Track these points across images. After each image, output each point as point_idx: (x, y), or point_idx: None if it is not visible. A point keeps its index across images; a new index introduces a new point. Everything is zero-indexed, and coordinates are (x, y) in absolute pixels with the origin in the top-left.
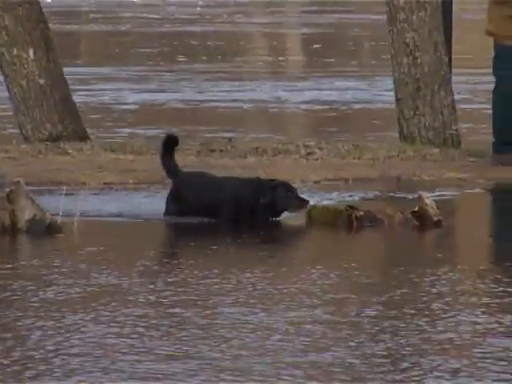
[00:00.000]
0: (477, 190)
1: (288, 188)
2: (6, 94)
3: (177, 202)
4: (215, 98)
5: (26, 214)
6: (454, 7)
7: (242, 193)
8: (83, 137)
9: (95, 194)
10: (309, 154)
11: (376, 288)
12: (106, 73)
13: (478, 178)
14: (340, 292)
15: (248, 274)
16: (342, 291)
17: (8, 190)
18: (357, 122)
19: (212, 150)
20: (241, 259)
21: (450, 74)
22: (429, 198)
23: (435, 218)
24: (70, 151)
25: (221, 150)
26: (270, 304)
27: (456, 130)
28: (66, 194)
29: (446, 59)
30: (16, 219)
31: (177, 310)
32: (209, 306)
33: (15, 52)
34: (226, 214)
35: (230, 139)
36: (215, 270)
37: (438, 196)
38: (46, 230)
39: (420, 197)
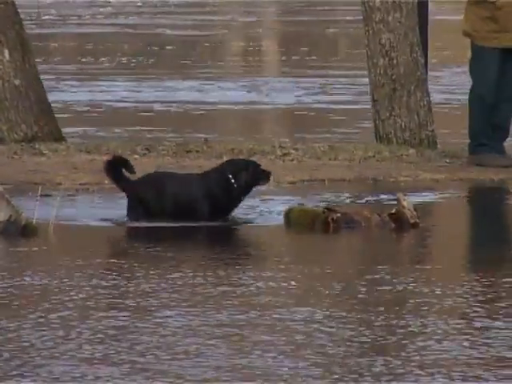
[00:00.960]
0: (452, 191)
1: (254, 164)
2: None
3: (144, 207)
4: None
5: (1, 216)
6: (430, 7)
7: (215, 183)
8: (58, 138)
9: (71, 195)
10: (284, 154)
11: (311, 290)
12: None
13: (453, 179)
14: (269, 295)
15: (178, 275)
16: (272, 294)
17: None
18: (332, 122)
19: (188, 151)
20: (184, 261)
21: (426, 75)
22: (406, 200)
23: (412, 220)
24: (45, 152)
25: (197, 151)
26: (200, 306)
27: (432, 130)
28: (41, 195)
29: (422, 60)
30: None
31: (111, 313)
32: (140, 309)
33: None
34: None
35: (205, 140)
36: (153, 272)
37: (413, 197)
38: (21, 231)
39: (398, 199)
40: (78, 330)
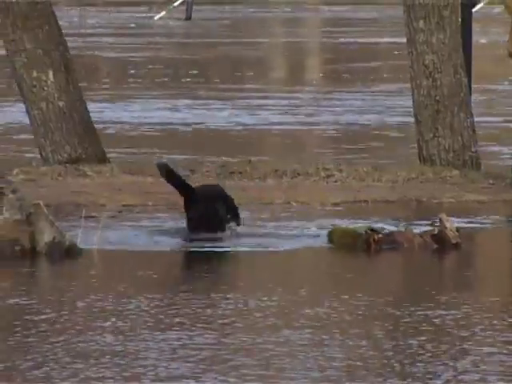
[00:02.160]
0: (496, 213)
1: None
2: (26, 117)
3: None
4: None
5: (45, 237)
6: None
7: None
8: (102, 159)
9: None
10: (328, 176)
11: (279, 312)
12: None
13: (497, 200)
14: (228, 317)
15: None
16: (257, 316)
17: (28, 212)
18: (373, 142)
19: (231, 172)
20: (167, 283)
21: (470, 95)
22: (449, 221)
23: (454, 241)
24: (89, 173)
25: (240, 172)
26: (165, 326)
27: (476, 151)
28: (85, 217)
29: (466, 81)
30: (35, 242)
31: (85, 334)
32: (112, 330)
33: (34, 74)
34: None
35: (249, 161)
36: (134, 292)
37: (457, 218)
38: (65, 252)
39: (440, 219)
40: (55, 350)
